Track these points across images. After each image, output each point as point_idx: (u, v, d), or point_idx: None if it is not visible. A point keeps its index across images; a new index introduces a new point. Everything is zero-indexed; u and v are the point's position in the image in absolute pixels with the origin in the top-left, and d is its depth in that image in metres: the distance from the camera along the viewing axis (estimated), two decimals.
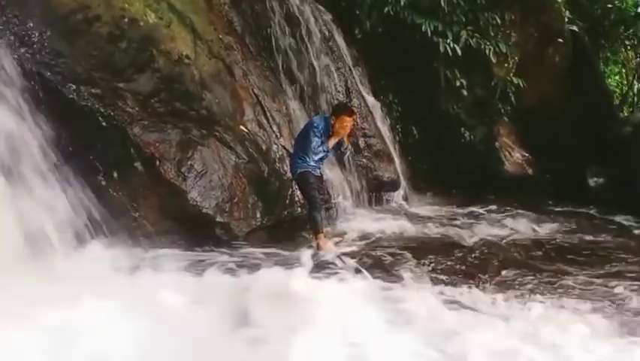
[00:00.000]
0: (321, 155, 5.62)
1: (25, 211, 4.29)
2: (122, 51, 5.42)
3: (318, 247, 5.35)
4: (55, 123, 4.86)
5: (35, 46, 5.01)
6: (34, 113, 4.78)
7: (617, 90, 14.50)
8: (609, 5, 11.94)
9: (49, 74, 4.95)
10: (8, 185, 4.28)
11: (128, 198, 5.11)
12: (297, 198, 6.31)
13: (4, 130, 4.47)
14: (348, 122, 5.49)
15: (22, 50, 4.93)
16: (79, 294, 3.37)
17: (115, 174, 5.05)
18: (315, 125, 5.56)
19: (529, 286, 4.59)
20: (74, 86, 5.01)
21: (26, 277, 3.72)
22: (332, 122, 5.52)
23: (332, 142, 5.60)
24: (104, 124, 5.06)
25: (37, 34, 5.05)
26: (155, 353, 3.09)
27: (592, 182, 10.88)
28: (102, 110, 5.06)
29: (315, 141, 5.50)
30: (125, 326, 3.20)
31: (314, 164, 5.62)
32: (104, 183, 5.03)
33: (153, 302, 3.61)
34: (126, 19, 5.57)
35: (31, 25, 5.06)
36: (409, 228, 6.69)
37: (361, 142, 7.98)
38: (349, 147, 5.87)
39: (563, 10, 10.08)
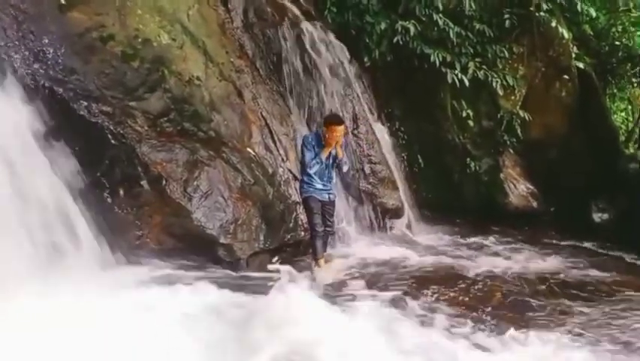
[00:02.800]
0: (316, 168, 5.60)
1: (33, 225, 4.31)
2: (134, 70, 5.51)
3: (314, 274, 5.38)
4: (66, 139, 4.93)
5: (49, 62, 5.10)
6: (45, 129, 4.84)
7: (623, 127, 14.52)
8: (617, 43, 12.05)
9: (61, 90, 5.03)
10: (15, 196, 4.31)
11: (133, 216, 5.12)
12: (300, 222, 6.32)
13: (13, 143, 4.53)
14: (337, 130, 5.50)
15: (37, 66, 5.02)
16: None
17: (121, 192, 5.08)
18: (305, 138, 5.75)
19: (532, 321, 4.54)
20: (86, 103, 5.08)
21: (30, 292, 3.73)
22: (323, 132, 5.60)
23: (325, 153, 5.61)
24: (113, 142, 5.11)
25: (51, 51, 5.15)
26: None
27: (596, 217, 10.82)
28: (112, 127, 5.12)
29: (308, 155, 5.59)
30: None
31: (320, 187, 5.66)
32: (109, 200, 5.05)
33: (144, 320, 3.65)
34: (140, 39, 5.68)
35: (47, 41, 5.17)
36: (411, 256, 6.65)
37: (367, 168, 7.99)
38: (345, 159, 5.79)
39: (571, 45, 10.17)
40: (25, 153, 4.59)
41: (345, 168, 5.88)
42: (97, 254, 4.85)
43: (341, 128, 5.58)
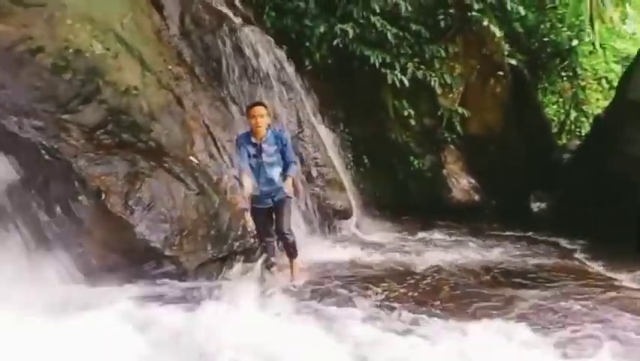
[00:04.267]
0: (252, 161, 5.11)
1: None
2: (66, 82, 5.31)
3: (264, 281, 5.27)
4: None
5: None
6: None
7: (555, 119, 15.23)
8: (545, 39, 12.65)
9: None
10: None
11: (72, 234, 4.94)
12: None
13: None
14: (255, 111, 5.09)
15: None
16: None
17: (58, 209, 4.89)
18: (236, 140, 5.35)
19: (479, 310, 4.68)
20: (16, 119, 4.86)
21: None
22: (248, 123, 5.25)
23: (256, 139, 5.13)
24: (47, 157, 4.92)
25: None
26: None
27: (535, 207, 11.33)
28: (45, 142, 4.92)
29: (242, 151, 5.11)
30: None
31: (264, 189, 5.13)
32: (46, 218, 4.85)
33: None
34: (71, 50, 5.46)
35: None
36: (361, 256, 6.74)
37: (314, 171, 8.03)
38: (289, 156, 5.24)
39: (503, 43, 10.59)
40: None
41: (293, 169, 5.25)
42: (37, 272, 4.69)
43: (257, 108, 5.13)
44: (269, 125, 5.24)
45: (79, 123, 5.23)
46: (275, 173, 5.21)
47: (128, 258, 5.14)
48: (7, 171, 4.87)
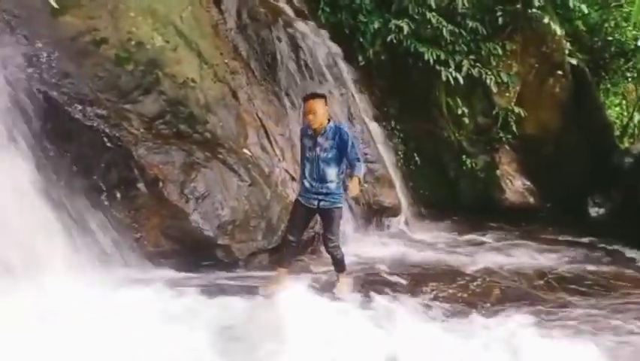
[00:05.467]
0: (306, 163, 4.77)
1: (27, 229, 4.31)
2: (128, 73, 5.50)
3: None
4: (61, 143, 4.92)
5: (43, 66, 5.07)
6: (40, 133, 4.84)
7: (618, 121, 14.58)
8: (609, 38, 12.11)
9: (55, 94, 5.00)
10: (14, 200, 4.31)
11: (130, 219, 5.12)
12: None
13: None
14: (307, 105, 4.69)
15: (30, 70, 4.99)
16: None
17: (118, 195, 5.07)
18: (301, 130, 5.03)
19: (531, 316, 4.54)
20: (80, 107, 5.06)
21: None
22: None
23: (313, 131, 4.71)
24: (108, 145, 5.10)
25: (45, 55, 5.12)
26: None
27: (593, 212, 10.87)
28: (107, 130, 5.11)
29: (301, 145, 4.85)
30: None
31: (307, 186, 4.73)
32: (106, 203, 5.04)
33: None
34: (133, 42, 5.66)
35: (40, 45, 5.14)
36: (409, 254, 6.68)
37: (364, 167, 7.98)
38: (355, 153, 4.72)
39: (564, 42, 10.23)
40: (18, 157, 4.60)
41: (358, 168, 4.66)
42: (94, 256, 4.87)
43: (310, 103, 4.66)
44: (329, 119, 4.74)
45: (139, 113, 5.40)
46: (329, 172, 4.68)
47: (181, 245, 5.28)
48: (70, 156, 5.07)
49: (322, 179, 4.69)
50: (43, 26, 5.20)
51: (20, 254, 4.17)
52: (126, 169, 5.15)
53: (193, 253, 5.29)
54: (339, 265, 4.93)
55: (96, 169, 5.03)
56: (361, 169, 4.75)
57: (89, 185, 5.01)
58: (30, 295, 3.79)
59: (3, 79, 4.69)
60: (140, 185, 5.14)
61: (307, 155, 4.76)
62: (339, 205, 4.82)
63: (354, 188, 4.66)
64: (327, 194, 4.70)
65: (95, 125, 5.06)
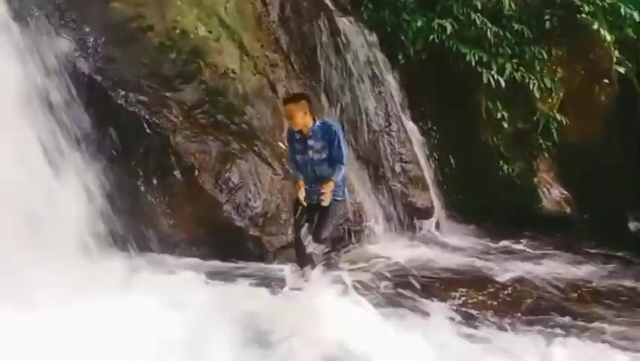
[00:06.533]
0: (299, 158, 4.69)
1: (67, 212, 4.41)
2: (171, 61, 5.58)
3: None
4: (102, 127, 5.02)
5: (90, 50, 5.20)
6: (82, 116, 4.95)
7: None
8: None
9: (100, 78, 5.12)
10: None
11: (165, 205, 5.20)
12: None
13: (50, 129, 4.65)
14: (287, 110, 4.64)
15: (77, 54, 5.12)
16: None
17: (154, 181, 5.15)
18: (287, 133, 4.95)
19: (563, 329, 4.44)
20: (123, 92, 5.16)
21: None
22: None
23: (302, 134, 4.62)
24: (148, 131, 5.19)
25: (92, 40, 5.24)
26: None
27: (632, 226, 10.53)
28: (147, 117, 5.20)
29: (290, 149, 4.78)
30: None
31: (313, 187, 4.64)
32: (142, 188, 5.13)
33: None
34: (177, 31, 5.75)
35: (88, 30, 5.27)
36: (440, 257, 6.59)
37: (397, 167, 7.93)
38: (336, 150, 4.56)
39: (612, 49, 9.90)
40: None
41: (338, 171, 4.51)
42: (128, 241, 4.96)
43: (290, 106, 4.56)
44: (314, 118, 4.62)
45: (179, 101, 5.48)
46: (325, 172, 4.58)
47: (212, 234, 5.35)
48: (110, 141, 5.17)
49: (317, 179, 4.60)
50: (92, 11, 5.33)
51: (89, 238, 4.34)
52: (163, 156, 5.24)
53: (223, 242, 5.35)
54: (311, 260, 4.70)
55: (135, 154, 5.13)
56: (340, 173, 4.60)
57: (128, 170, 5.10)
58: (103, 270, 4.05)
59: (54, 61, 4.81)
60: (176, 172, 5.22)
61: (298, 159, 4.66)
62: (338, 198, 4.70)
63: (326, 195, 4.48)
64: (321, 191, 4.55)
65: (136, 110, 5.16)
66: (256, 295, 4.30)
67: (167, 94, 5.44)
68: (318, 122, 4.62)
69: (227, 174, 5.38)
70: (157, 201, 5.17)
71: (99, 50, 5.24)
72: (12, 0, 4.78)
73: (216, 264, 5.17)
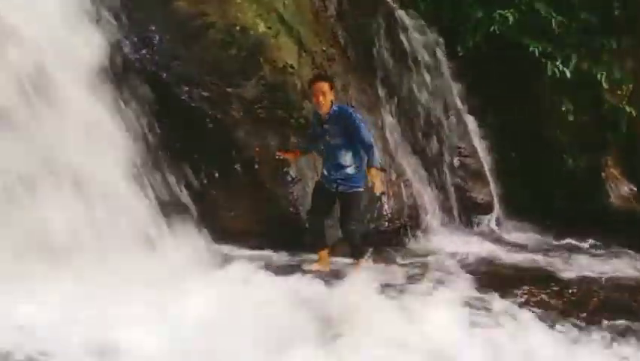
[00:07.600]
0: (321, 142, 4.84)
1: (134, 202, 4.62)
2: (232, 57, 5.70)
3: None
4: (167, 123, 5.21)
5: (155, 48, 5.39)
6: (148, 112, 5.16)
7: None
8: None
9: (165, 75, 5.31)
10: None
11: (225, 198, 5.34)
12: (385, 213, 6.29)
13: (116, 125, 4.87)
14: (314, 88, 4.73)
15: (144, 52, 5.32)
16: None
17: (216, 174, 5.30)
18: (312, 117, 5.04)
19: (628, 331, 4.25)
20: (187, 88, 5.33)
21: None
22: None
23: (323, 113, 4.72)
24: (210, 126, 5.34)
25: (157, 37, 5.44)
26: None
27: None
28: (210, 112, 5.35)
29: (310, 131, 4.93)
30: None
31: (325, 172, 4.86)
32: (205, 181, 5.29)
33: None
34: (238, 28, 5.85)
35: (153, 28, 5.46)
36: (500, 254, 6.44)
37: (456, 161, 7.81)
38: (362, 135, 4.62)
39: None
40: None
41: (372, 156, 4.54)
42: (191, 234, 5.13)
43: (318, 84, 4.67)
44: (332, 102, 4.70)
45: (240, 96, 5.60)
46: (343, 157, 4.69)
47: (270, 227, 5.45)
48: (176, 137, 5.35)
49: (338, 165, 4.72)
50: (157, 10, 5.52)
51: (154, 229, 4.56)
52: (225, 150, 5.37)
53: (281, 235, 5.44)
54: (356, 250, 4.90)
55: (199, 149, 5.29)
56: (375, 157, 4.62)
57: (191, 164, 5.28)
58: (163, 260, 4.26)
59: (120, 59, 5.03)
60: (237, 166, 5.35)
61: (320, 143, 4.80)
62: (359, 189, 4.76)
63: (376, 184, 4.56)
64: (344, 179, 4.72)
65: (199, 106, 5.32)
66: (308, 286, 4.36)
67: (229, 90, 5.57)
68: (334, 107, 4.72)
69: (285, 168, 5.47)
70: (218, 194, 5.32)
71: (164, 47, 5.42)
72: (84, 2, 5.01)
73: (274, 255, 5.28)
